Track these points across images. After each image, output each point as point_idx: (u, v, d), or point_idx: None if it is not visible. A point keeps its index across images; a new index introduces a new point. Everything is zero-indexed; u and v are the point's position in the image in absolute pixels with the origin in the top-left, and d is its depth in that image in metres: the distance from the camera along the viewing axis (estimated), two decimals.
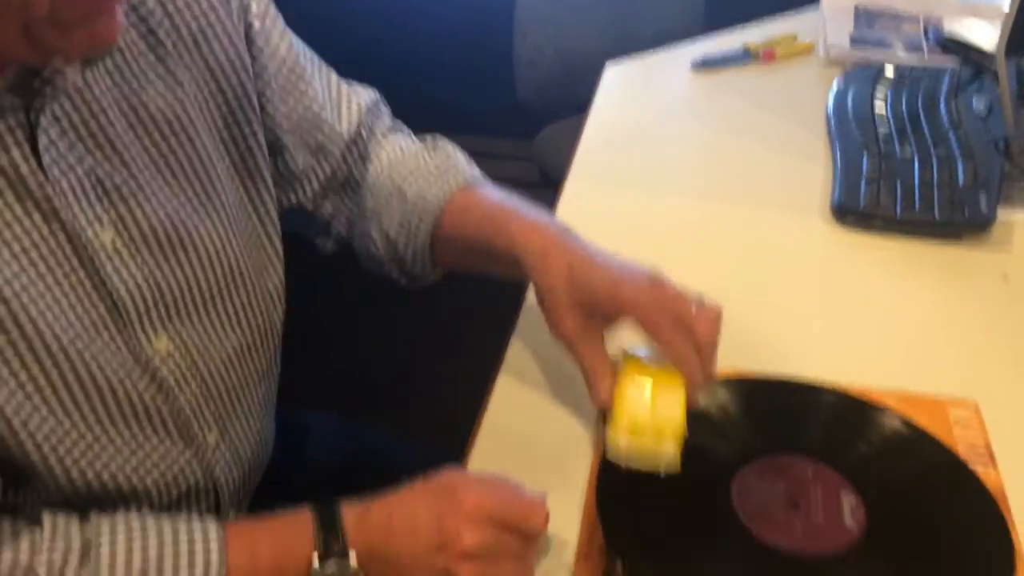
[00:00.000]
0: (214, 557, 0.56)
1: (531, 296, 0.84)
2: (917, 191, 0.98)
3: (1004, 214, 0.97)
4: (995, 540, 0.63)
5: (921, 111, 1.11)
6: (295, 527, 0.59)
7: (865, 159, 1.04)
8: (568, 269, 0.68)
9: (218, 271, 0.66)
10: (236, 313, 0.68)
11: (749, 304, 0.86)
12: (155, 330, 0.62)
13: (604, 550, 0.62)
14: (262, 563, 0.58)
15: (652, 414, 0.64)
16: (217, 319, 0.67)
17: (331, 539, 0.58)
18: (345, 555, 0.57)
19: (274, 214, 0.72)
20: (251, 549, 0.58)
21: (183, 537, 0.56)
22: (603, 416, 0.66)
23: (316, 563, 0.57)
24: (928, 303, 0.88)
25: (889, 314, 0.87)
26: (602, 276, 0.67)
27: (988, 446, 0.71)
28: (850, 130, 1.10)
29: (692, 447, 0.66)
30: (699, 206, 1.02)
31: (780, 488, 0.67)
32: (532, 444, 0.72)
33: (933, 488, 0.68)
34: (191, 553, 0.56)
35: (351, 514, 0.60)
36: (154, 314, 0.62)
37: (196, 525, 0.58)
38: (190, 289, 0.64)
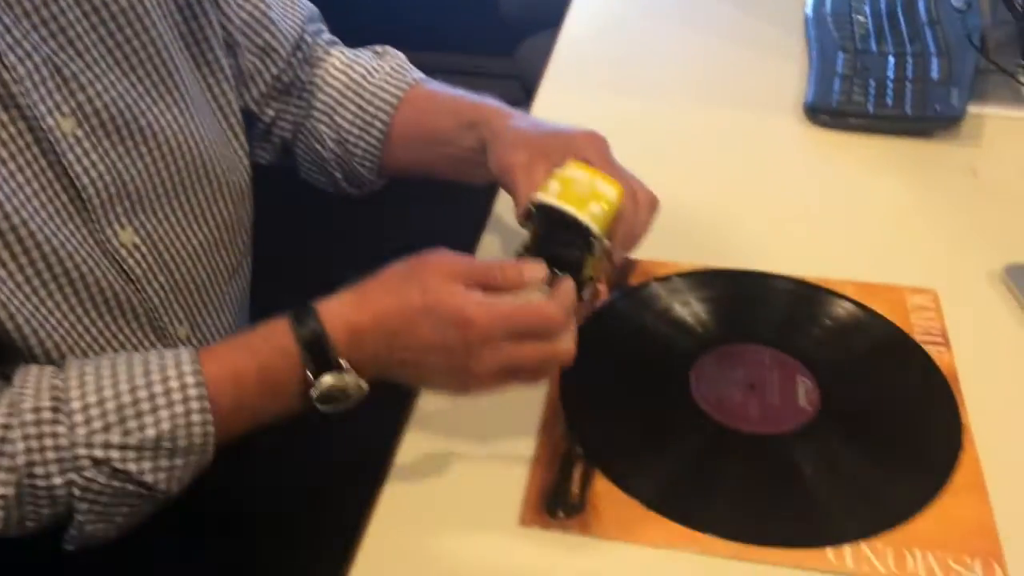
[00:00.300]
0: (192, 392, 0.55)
1: (499, 205, 0.86)
2: (890, 87, 0.98)
3: (977, 109, 0.97)
4: (944, 417, 0.66)
5: (899, 7, 1.10)
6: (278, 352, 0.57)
7: (840, 57, 1.03)
8: (529, 124, 0.70)
9: (181, 163, 0.67)
10: (202, 207, 0.69)
11: (721, 202, 0.87)
12: (120, 223, 0.63)
13: (564, 438, 0.65)
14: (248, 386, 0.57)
15: (589, 182, 0.63)
16: (183, 212, 0.68)
17: (319, 355, 0.56)
18: (339, 366, 0.56)
19: (237, 109, 0.73)
20: (234, 379, 0.57)
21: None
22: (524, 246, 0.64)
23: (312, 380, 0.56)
24: (896, 198, 0.89)
25: (857, 209, 0.88)
26: (557, 128, 0.70)
27: (944, 332, 0.73)
28: (827, 29, 1.09)
29: (651, 338, 0.68)
30: (674, 106, 1.02)
31: (738, 375, 0.69)
32: None
33: (886, 368, 0.70)
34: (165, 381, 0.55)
35: (337, 331, 0.57)
36: (119, 206, 0.63)
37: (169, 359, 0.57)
38: (153, 180, 0.65)
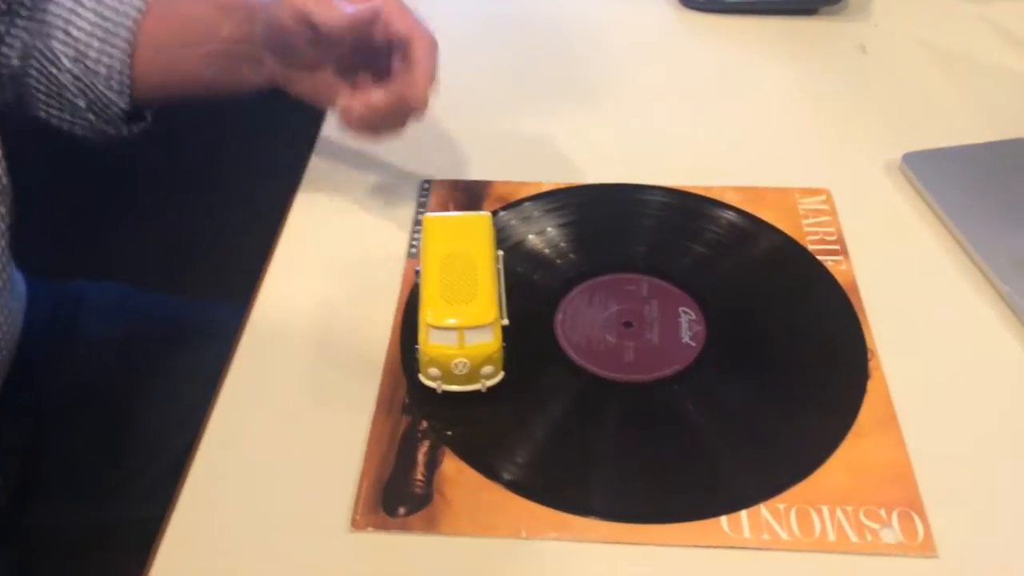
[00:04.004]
0: None
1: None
2: None
3: None
4: (846, 341, 0.57)
5: None
6: None
7: None
8: None
9: None
10: None
11: (578, 105, 0.76)
12: None
13: (405, 411, 0.53)
14: None
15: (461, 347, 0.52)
16: None
17: None
18: None
19: None
20: None
21: None
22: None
23: None
24: (778, 87, 0.79)
25: (735, 103, 0.77)
26: None
27: (841, 238, 0.63)
28: None
29: (503, 280, 0.57)
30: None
31: (611, 312, 0.58)
32: (336, 267, 0.62)
33: (778, 287, 0.61)
34: None
35: None
36: None
37: None
38: None
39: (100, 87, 0.64)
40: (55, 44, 0.63)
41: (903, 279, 0.61)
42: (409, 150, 0.71)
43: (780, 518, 0.48)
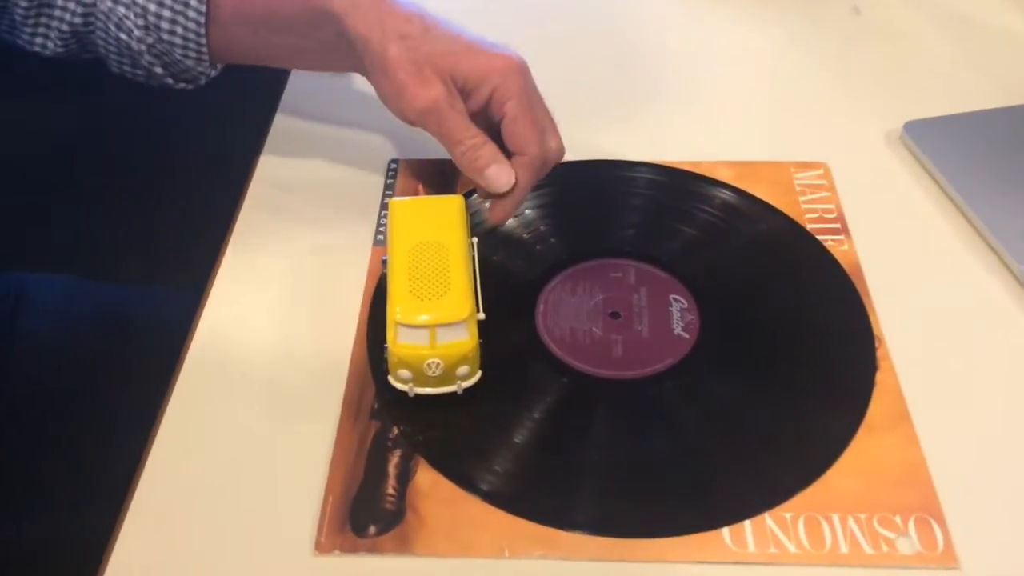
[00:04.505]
0: None
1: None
2: None
3: None
4: (852, 329, 0.52)
5: None
6: None
7: None
8: (417, 28, 0.53)
9: None
10: None
11: (563, 78, 0.70)
12: None
13: (374, 416, 0.49)
14: None
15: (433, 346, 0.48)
16: None
17: None
18: None
19: None
20: None
21: None
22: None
23: None
24: (772, 52, 0.74)
25: (728, 71, 0.72)
26: (458, 40, 0.54)
27: (841, 215, 0.59)
28: None
29: (480, 269, 0.52)
30: None
31: (597, 301, 0.54)
32: (295, 257, 0.57)
33: (776, 272, 0.56)
34: None
35: None
36: None
37: None
38: None
39: (176, 56, 0.59)
40: (121, 9, 0.57)
41: (908, 259, 0.57)
42: (375, 126, 0.66)
43: (787, 528, 0.44)
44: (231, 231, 0.59)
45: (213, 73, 0.61)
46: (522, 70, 0.54)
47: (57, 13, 0.59)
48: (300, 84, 0.70)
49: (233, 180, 0.63)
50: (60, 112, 0.77)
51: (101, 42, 0.60)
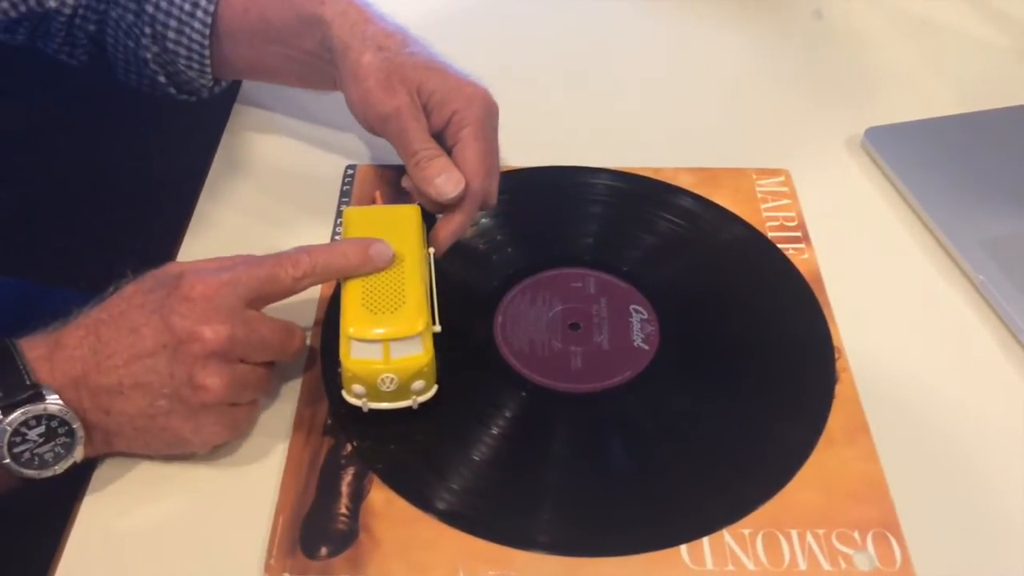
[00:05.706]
0: None
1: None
2: None
3: None
4: (812, 340, 0.52)
5: None
6: None
7: None
8: (396, 43, 0.54)
9: None
10: None
11: (527, 83, 0.69)
12: None
13: (327, 431, 0.48)
14: None
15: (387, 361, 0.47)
16: None
17: (12, 381, 0.42)
18: (41, 397, 0.41)
19: None
20: None
21: None
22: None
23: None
24: (733, 57, 0.74)
25: (689, 76, 0.72)
26: (432, 60, 0.55)
27: (802, 222, 0.58)
28: None
29: (434, 281, 0.51)
30: None
31: (556, 312, 0.53)
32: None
33: (737, 282, 0.56)
34: None
35: (36, 347, 0.44)
36: None
37: None
38: None
39: (180, 66, 0.60)
40: (130, 18, 0.59)
41: (868, 269, 0.56)
42: (331, 131, 0.64)
43: (746, 545, 0.43)
44: (182, 237, 0.58)
45: (215, 88, 0.62)
46: (487, 102, 0.54)
47: (78, 22, 0.60)
48: (256, 85, 0.68)
49: (188, 182, 0.62)
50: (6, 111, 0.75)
51: (111, 49, 0.62)
